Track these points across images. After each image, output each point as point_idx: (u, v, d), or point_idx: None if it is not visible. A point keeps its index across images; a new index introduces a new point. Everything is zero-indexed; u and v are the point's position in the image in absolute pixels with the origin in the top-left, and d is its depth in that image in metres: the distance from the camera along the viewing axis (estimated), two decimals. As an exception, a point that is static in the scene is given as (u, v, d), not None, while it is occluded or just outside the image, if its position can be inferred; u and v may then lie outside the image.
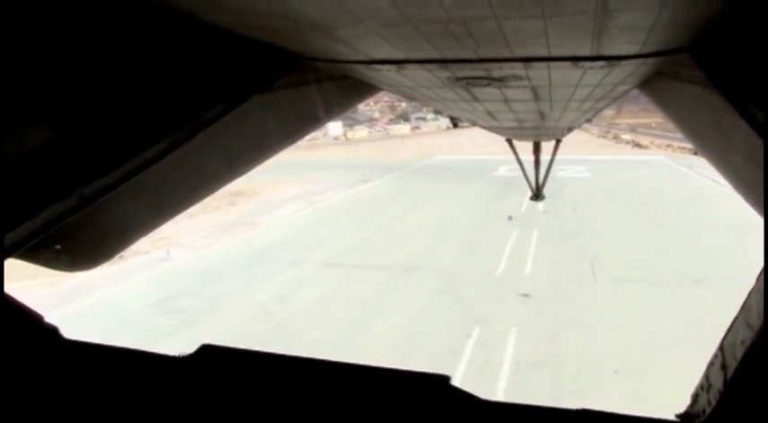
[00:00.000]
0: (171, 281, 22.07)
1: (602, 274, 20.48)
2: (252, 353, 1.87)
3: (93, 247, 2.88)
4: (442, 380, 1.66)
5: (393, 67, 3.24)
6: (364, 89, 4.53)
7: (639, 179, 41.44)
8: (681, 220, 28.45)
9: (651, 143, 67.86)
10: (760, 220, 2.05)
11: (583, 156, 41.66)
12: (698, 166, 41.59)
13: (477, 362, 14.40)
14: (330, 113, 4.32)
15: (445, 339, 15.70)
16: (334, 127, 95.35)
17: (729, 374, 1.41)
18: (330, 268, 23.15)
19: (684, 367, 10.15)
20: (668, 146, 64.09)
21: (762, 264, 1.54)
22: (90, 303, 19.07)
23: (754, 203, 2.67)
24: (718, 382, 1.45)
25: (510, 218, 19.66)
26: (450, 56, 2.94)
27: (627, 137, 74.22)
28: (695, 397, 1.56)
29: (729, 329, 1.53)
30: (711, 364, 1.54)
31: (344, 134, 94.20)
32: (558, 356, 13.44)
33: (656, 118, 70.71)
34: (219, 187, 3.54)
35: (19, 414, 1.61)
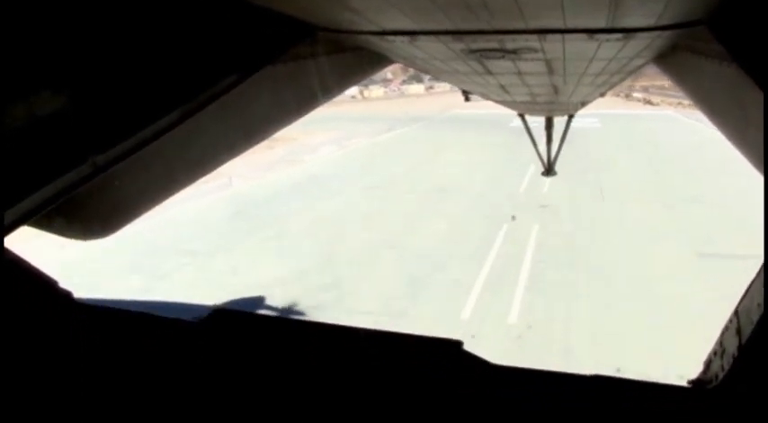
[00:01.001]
0: (239, 199, 26.16)
1: (610, 196, 24.65)
2: (264, 317, 2.03)
3: (106, 216, 2.89)
4: (455, 345, 1.69)
5: (406, 39, 3.22)
6: (377, 61, 4.49)
7: (647, 129, 45.10)
8: (682, 160, 32.50)
9: (662, 101, 71.22)
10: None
11: (594, 110, 46.02)
12: (703, 119, 45.22)
13: (508, 243, 18.81)
14: (343, 84, 4.32)
15: (481, 232, 20.02)
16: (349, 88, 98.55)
17: (744, 339, 1.40)
18: (375, 191, 27.42)
19: (671, 247, 14.82)
20: (678, 103, 67.28)
21: None
22: (172, 215, 22.45)
23: None
24: (732, 347, 1.45)
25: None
26: (463, 27, 2.93)
27: (638, 95, 77.53)
28: (708, 363, 1.57)
29: (745, 294, 1.51)
30: (726, 329, 1.54)
31: (361, 93, 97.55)
32: (572, 240, 17.77)
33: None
34: (233, 156, 3.56)
35: (34, 377, 1.65)
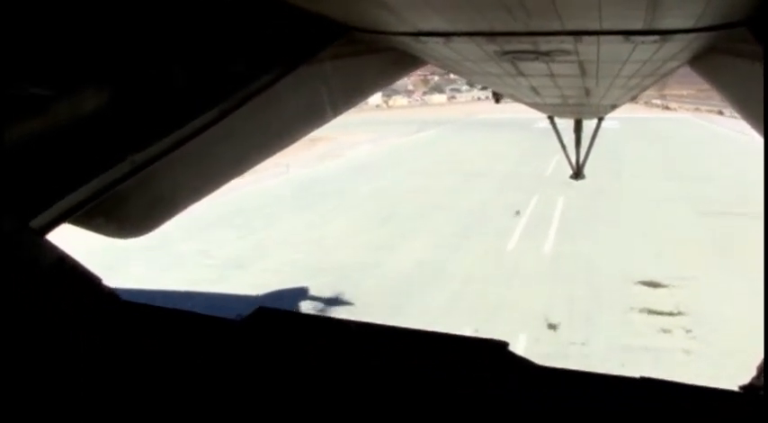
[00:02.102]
0: (301, 181, 31.01)
1: (625, 176, 28.96)
2: (307, 316, 2.22)
3: (143, 214, 2.96)
4: (501, 346, 1.67)
5: (440, 40, 3.23)
6: (409, 62, 4.52)
7: (662, 129, 49.99)
8: (689, 150, 37.37)
9: (680, 107, 75.28)
10: None
11: (614, 114, 50.97)
12: (718, 122, 49.59)
13: (540, 206, 23.21)
14: (375, 86, 4.41)
15: (514, 201, 24.34)
16: (374, 96, 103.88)
17: None
18: (417, 175, 32.06)
19: (675, 209, 19.31)
20: (696, 109, 71.15)
21: None
22: (248, 191, 26.26)
23: None
24: None
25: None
26: (498, 28, 2.92)
27: (657, 102, 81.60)
28: (761, 369, 1.59)
29: None
30: None
31: (385, 102, 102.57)
32: (592, 205, 22.00)
33: (691, 90, 77.90)
34: (268, 156, 3.63)
35: (79, 376, 1.67)
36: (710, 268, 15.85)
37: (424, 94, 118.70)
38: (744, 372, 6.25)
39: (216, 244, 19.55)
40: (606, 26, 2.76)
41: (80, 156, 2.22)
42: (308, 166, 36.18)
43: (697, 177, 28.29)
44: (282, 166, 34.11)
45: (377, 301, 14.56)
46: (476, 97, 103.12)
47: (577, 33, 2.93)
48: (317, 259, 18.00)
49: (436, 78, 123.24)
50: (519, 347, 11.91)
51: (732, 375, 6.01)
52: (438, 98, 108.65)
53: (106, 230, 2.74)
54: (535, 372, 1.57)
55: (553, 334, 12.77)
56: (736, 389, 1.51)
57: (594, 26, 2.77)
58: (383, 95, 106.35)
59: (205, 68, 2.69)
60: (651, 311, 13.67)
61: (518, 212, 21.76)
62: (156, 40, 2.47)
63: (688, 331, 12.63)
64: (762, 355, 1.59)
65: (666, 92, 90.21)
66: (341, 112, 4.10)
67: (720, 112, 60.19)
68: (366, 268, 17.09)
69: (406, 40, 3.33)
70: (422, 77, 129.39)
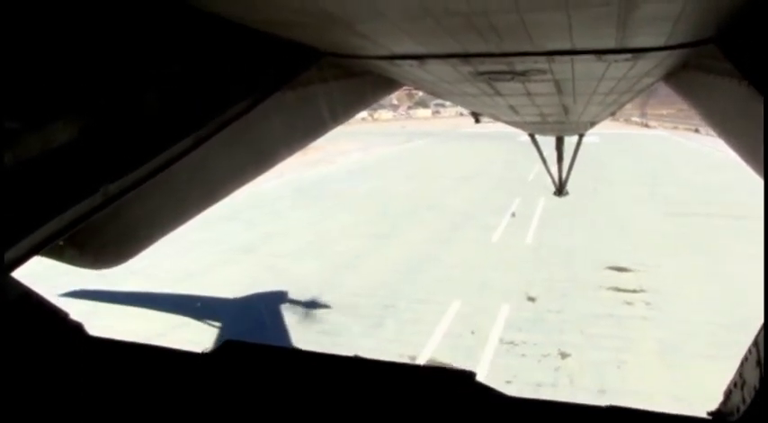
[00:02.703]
0: (297, 184, 33.68)
1: (602, 182, 31.58)
2: (275, 349, 1.97)
3: (118, 245, 2.93)
4: (468, 376, 1.66)
5: (415, 63, 3.26)
6: (385, 85, 4.58)
7: (639, 143, 53.82)
8: (661, 161, 40.75)
9: (659, 125, 79.06)
10: None
11: (594, 130, 54.58)
12: (693, 138, 53.04)
13: (522, 206, 25.59)
14: (353, 109, 4.44)
15: (499, 202, 26.84)
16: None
17: (764, 371, 1.39)
18: (408, 178, 34.90)
19: (645, 210, 22.16)
20: (674, 127, 74.83)
21: None
22: (243, 195, 28.87)
23: None
24: (753, 379, 1.42)
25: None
26: (472, 50, 2.95)
27: (636, 119, 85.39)
28: (728, 394, 1.53)
29: (765, 324, 1.48)
30: (746, 359, 1.51)
31: (371, 115, 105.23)
32: (570, 206, 24.08)
33: (671, 110, 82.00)
34: (244, 183, 3.65)
35: (44, 412, 1.64)
36: (671, 257, 18.20)
37: (409, 108, 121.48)
38: (690, 331, 8.92)
39: (225, 234, 21.56)
40: (578, 46, 2.82)
41: (51, 188, 2.20)
42: (302, 171, 38.29)
43: (667, 184, 31.05)
44: (278, 171, 36.26)
45: (377, 281, 16.66)
46: (459, 113, 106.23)
47: (550, 53, 2.99)
48: (320, 246, 20.16)
49: (420, 93, 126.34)
50: (502, 314, 14.11)
51: (681, 334, 8.49)
52: (423, 112, 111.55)
53: (80, 262, 2.71)
54: (503, 402, 1.56)
55: (532, 304, 14.96)
56: (704, 416, 1.51)
57: (567, 46, 2.83)
58: (368, 109, 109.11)
59: (179, 96, 2.69)
60: (617, 289, 15.93)
61: (514, 214, 23.52)
62: (129, 69, 2.47)
63: (647, 304, 14.86)
64: (728, 380, 1.60)
65: (647, 111, 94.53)
66: (318, 137, 4.17)
67: (696, 130, 64.26)
68: (368, 254, 19.35)
69: (382, 63, 3.39)
70: (406, 92, 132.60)
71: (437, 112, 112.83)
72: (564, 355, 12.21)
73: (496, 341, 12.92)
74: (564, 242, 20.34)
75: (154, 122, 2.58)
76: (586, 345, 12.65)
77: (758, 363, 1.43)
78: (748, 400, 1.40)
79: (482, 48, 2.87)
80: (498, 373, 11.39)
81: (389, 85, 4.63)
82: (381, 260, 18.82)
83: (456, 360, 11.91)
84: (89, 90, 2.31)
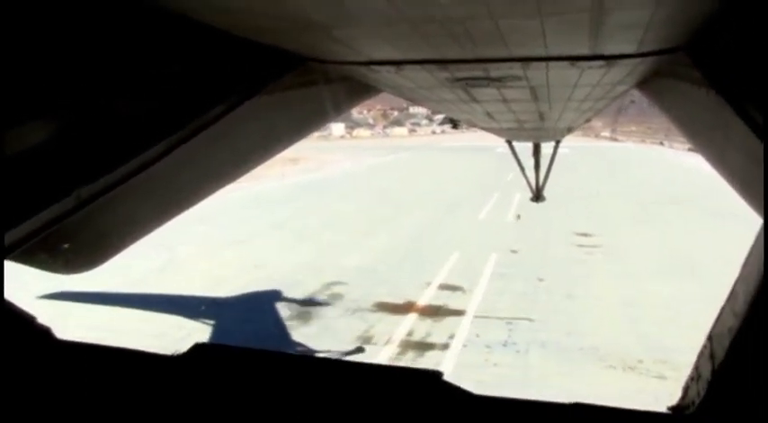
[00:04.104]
0: (301, 183, 39.15)
1: (573, 180, 36.80)
2: (244, 350, 1.97)
3: (91, 249, 2.92)
4: (435, 376, 1.68)
5: (392, 68, 3.33)
6: (364, 91, 4.65)
7: (606, 153, 60.68)
8: (626, 166, 46.58)
9: (628, 139, 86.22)
10: (751, 215, 2.21)
11: (566, 143, 60.94)
12: (655, 148, 59.47)
13: (502, 198, 30.54)
14: (329, 115, 4.46)
15: (480, 196, 31.92)
16: (337, 128, 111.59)
17: (717, 364, 1.42)
18: (399, 180, 40.41)
19: (617, 202, 28.05)
20: (642, 141, 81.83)
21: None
22: (253, 192, 33.77)
23: (752, 203, 2.68)
24: (706, 372, 1.47)
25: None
26: (448, 56, 3.02)
27: (606, 134, 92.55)
28: (686, 389, 1.58)
29: (717, 319, 1.52)
30: (701, 354, 1.56)
31: (349, 133, 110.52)
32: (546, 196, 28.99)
33: (641, 127, 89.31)
34: (221, 187, 3.65)
35: (11, 416, 1.62)
36: (624, 228, 23.68)
37: (385, 127, 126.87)
38: (633, 266, 15.02)
39: (249, 218, 26.01)
40: (552, 52, 2.90)
41: (22, 191, 2.18)
42: (299, 175, 42.83)
43: (625, 180, 36.53)
44: (279, 174, 40.71)
45: (391, 244, 21.25)
46: (432, 131, 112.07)
47: (525, 59, 3.07)
48: (338, 224, 24.80)
49: (396, 113, 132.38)
50: (492, 259, 18.74)
51: (627, 267, 14.39)
52: (399, 131, 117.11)
53: (51, 267, 2.69)
54: (470, 401, 1.58)
55: (515, 255, 19.80)
56: (665, 411, 1.55)
57: (541, 52, 2.91)
58: (346, 127, 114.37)
59: (155, 101, 2.70)
60: (581, 246, 21.24)
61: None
62: (104, 72, 2.46)
63: (604, 253, 19.97)
64: (687, 375, 1.62)
65: (617, 127, 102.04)
66: (295, 142, 4.21)
67: (661, 143, 71.48)
68: (378, 229, 24.59)
69: (359, 69, 3.44)
70: (381, 111, 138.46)
71: (413, 130, 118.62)
72: (541, 279, 16.94)
73: (489, 273, 17.60)
74: (539, 218, 25.14)
75: (129, 126, 2.59)
76: (557, 273, 17.51)
77: (711, 356, 1.46)
78: (702, 393, 1.43)
79: (458, 54, 2.94)
80: (492, 290, 16.00)
81: (366, 91, 4.69)
82: (391, 232, 23.73)
83: (460, 283, 16.45)
84: (64, 92, 2.30)
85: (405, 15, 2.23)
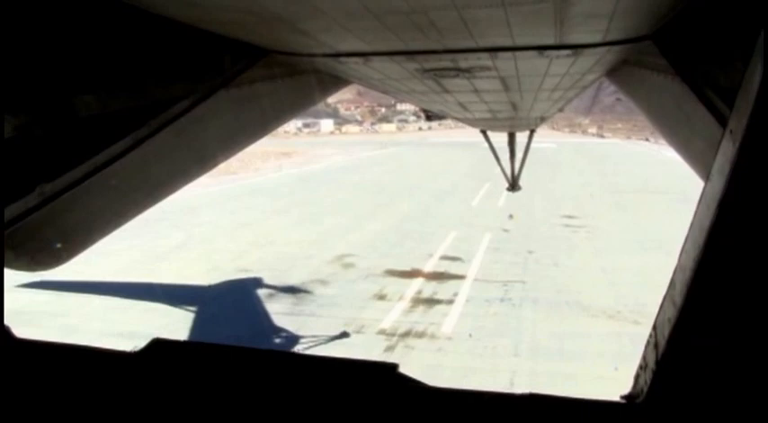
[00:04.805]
0: (299, 175, 40.61)
1: (558, 172, 39.06)
2: (203, 345, 1.99)
3: (55, 247, 2.89)
4: (390, 368, 1.70)
5: (360, 60, 3.31)
6: (332, 82, 4.61)
7: (591, 148, 63.95)
8: (608, 159, 49.84)
9: (613, 135, 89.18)
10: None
11: (552, 139, 63.04)
12: (641, 144, 62.36)
13: (492, 187, 32.31)
14: (299, 106, 4.47)
15: (471, 186, 33.84)
16: (326, 124, 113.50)
17: (660, 353, 1.45)
18: (391, 172, 42.35)
19: (593, 190, 30.58)
20: (628, 137, 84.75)
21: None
22: (252, 182, 36.74)
23: None
24: (651, 361, 1.50)
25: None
26: (415, 47, 2.99)
27: (592, 130, 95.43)
28: (636, 378, 1.59)
29: (660, 308, 1.54)
30: (647, 344, 1.58)
31: (338, 129, 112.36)
32: (530, 189, 31.09)
33: (627, 125, 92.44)
34: (187, 182, 3.61)
35: None
36: (606, 213, 26.00)
37: (372, 123, 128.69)
38: (612, 244, 17.43)
39: (253, 205, 27.85)
40: (519, 42, 2.90)
41: None
42: (296, 167, 44.64)
43: (610, 173, 38.84)
44: (275, 167, 42.54)
45: (391, 225, 23.19)
46: (419, 127, 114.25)
47: (492, 50, 3.07)
48: (340, 208, 26.74)
49: (383, 110, 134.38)
50: (486, 237, 20.75)
51: (606, 244, 16.78)
52: (388, 127, 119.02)
53: (15, 264, 2.66)
54: (425, 393, 1.60)
55: (506, 233, 21.90)
56: (618, 399, 1.58)
57: (508, 42, 2.89)
58: (335, 123, 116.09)
59: (119, 96, 2.65)
60: (567, 226, 23.46)
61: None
62: (67, 68, 2.42)
63: (587, 232, 22.15)
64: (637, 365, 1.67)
65: (603, 125, 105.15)
66: (264, 135, 4.21)
67: (647, 139, 74.45)
68: (377, 213, 26.49)
69: (327, 61, 3.41)
70: (369, 108, 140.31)
71: (401, 126, 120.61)
72: (530, 252, 19.03)
73: (484, 248, 19.65)
74: (529, 205, 27.27)
75: (92, 122, 2.54)
76: (545, 247, 19.60)
77: (654, 346, 1.49)
78: (649, 382, 1.46)
79: (425, 45, 2.92)
80: (488, 260, 18.04)
81: (336, 82, 4.67)
82: (390, 216, 25.64)
83: (459, 255, 18.43)
84: (25, 88, 2.26)
85: (369, 7, 2.22)
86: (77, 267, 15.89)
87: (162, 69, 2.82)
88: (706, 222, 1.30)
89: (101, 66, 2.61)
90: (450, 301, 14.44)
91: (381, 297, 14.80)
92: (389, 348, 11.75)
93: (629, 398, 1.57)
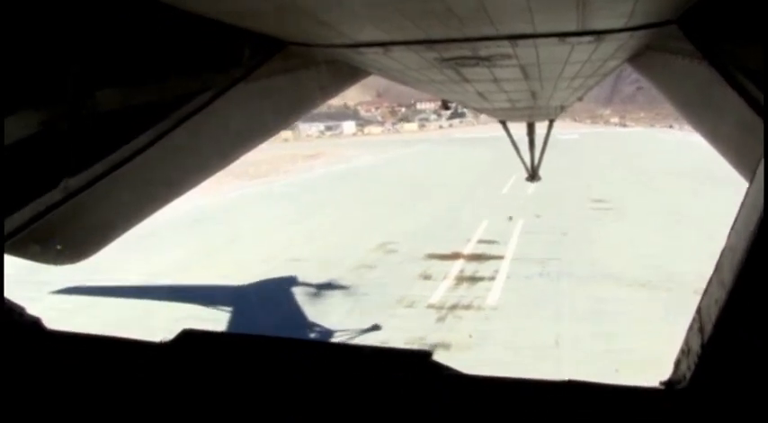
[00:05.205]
0: (335, 173, 43.32)
1: (584, 157, 39.82)
2: (233, 336, 2.07)
3: (81, 240, 2.94)
4: (424, 355, 1.67)
5: (379, 50, 3.28)
6: (352, 73, 4.58)
7: (612, 137, 66.93)
8: (629, 144, 50.77)
9: (636, 124, 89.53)
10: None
11: (574, 129, 64.18)
12: (665, 131, 62.81)
13: (518, 181, 33.00)
14: (316, 100, 4.42)
15: (499, 177, 34.63)
16: (348, 126, 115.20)
17: (706, 337, 1.39)
18: (421, 168, 42.83)
19: (618, 173, 31.44)
20: (651, 125, 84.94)
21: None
22: (290, 181, 38.65)
23: (741, 171, 2.69)
24: (696, 345, 1.43)
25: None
26: (435, 36, 2.97)
27: (614, 120, 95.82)
28: (677, 363, 1.54)
29: (705, 291, 1.48)
30: (690, 328, 1.51)
31: (360, 130, 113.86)
32: (562, 170, 31.87)
33: (650, 113, 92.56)
34: (208, 176, 3.61)
35: (1, 407, 1.62)
36: (633, 195, 26.79)
37: (394, 123, 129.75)
38: (640, 223, 18.96)
39: (292, 202, 29.37)
40: (540, 29, 2.85)
41: (10, 183, 2.18)
42: (328, 167, 46.07)
43: (635, 158, 39.63)
44: (306, 168, 43.98)
45: (430, 215, 24.35)
46: (439, 125, 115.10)
47: (513, 37, 3.01)
48: (379, 201, 28.19)
49: (403, 109, 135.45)
50: (519, 223, 21.76)
51: (634, 224, 18.30)
52: (409, 126, 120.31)
53: (42, 258, 2.70)
54: (460, 381, 1.57)
55: (538, 219, 22.80)
56: (657, 386, 1.53)
57: (529, 29, 2.85)
58: (357, 125, 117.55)
59: (139, 90, 2.67)
60: (596, 209, 24.44)
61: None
62: (89, 62, 2.44)
63: (616, 214, 23.14)
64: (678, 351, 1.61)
65: (625, 114, 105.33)
66: (281, 129, 4.16)
67: (671, 126, 74.62)
68: (414, 205, 27.75)
69: (345, 51, 3.39)
70: (389, 109, 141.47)
71: (423, 125, 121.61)
72: (564, 234, 19.99)
73: (518, 232, 20.68)
74: (558, 191, 28.23)
75: (114, 116, 2.56)
76: (578, 227, 20.57)
77: (699, 330, 1.43)
78: (692, 367, 1.40)
79: (445, 33, 2.90)
80: (523, 242, 19.09)
81: (354, 74, 4.64)
82: (425, 207, 26.73)
83: (495, 239, 19.48)
84: (48, 83, 2.28)
85: None
86: (141, 256, 17.10)
87: (182, 63, 2.83)
88: (759, 200, 1.24)
89: (122, 60, 2.63)
90: (492, 278, 15.56)
91: (426, 277, 15.92)
92: (440, 319, 12.81)
93: (669, 384, 1.51)
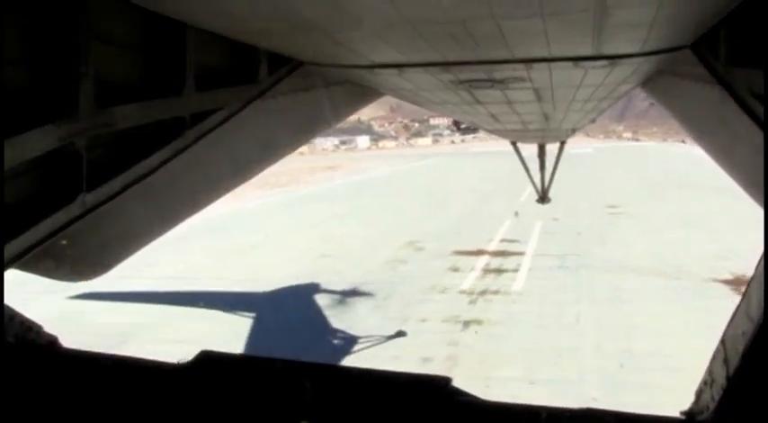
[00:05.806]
0: (353, 184, 44.45)
1: (596, 170, 41.09)
2: (250, 358, 2.01)
3: (96, 256, 2.92)
4: (443, 382, 1.68)
5: (394, 71, 3.29)
6: (366, 94, 4.63)
7: (625, 150, 68.15)
8: (639, 158, 52.94)
9: (648, 139, 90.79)
10: (759, 212, 2.11)
11: (588, 143, 66.35)
12: (677, 145, 64.22)
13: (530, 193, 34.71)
14: (330, 119, 4.42)
15: (516, 187, 35.60)
16: (363, 140, 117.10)
17: (732, 369, 1.36)
18: (438, 179, 44.11)
19: (628, 184, 33.85)
20: (664, 140, 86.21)
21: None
22: (311, 191, 39.88)
23: (755, 195, 2.70)
24: (720, 377, 1.41)
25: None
26: (450, 58, 2.98)
27: (627, 135, 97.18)
28: (699, 393, 1.52)
29: (731, 322, 1.45)
30: (714, 358, 1.49)
31: (375, 144, 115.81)
32: (576, 180, 33.34)
33: (662, 128, 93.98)
34: (224, 193, 3.64)
35: None
36: (644, 202, 28.41)
37: (408, 138, 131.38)
38: (650, 224, 20.97)
39: (314, 211, 30.85)
40: (555, 53, 2.87)
41: (26, 199, 2.18)
42: (346, 178, 47.63)
43: (646, 171, 40.89)
44: (325, 179, 45.56)
45: (452, 219, 25.70)
46: (452, 141, 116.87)
47: (528, 61, 3.04)
48: (400, 209, 29.44)
49: (416, 125, 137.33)
50: (538, 225, 23.08)
51: (644, 225, 20.71)
52: (423, 141, 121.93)
53: (56, 274, 2.68)
54: (479, 408, 1.58)
55: (556, 222, 24.07)
56: (678, 416, 1.52)
57: (544, 53, 2.87)
58: (371, 139, 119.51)
59: (156, 107, 2.68)
60: (610, 213, 25.60)
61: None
62: (107, 79, 2.44)
63: (628, 217, 24.37)
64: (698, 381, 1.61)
65: (638, 129, 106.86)
66: (295, 148, 4.21)
67: (683, 141, 75.93)
68: (436, 211, 29.11)
69: (361, 72, 3.40)
70: (403, 124, 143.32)
71: (436, 140, 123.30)
72: (579, 234, 21.30)
73: (538, 232, 22.00)
74: (574, 199, 29.52)
75: (131, 132, 2.58)
76: (593, 228, 21.91)
77: (724, 361, 1.41)
78: (717, 398, 1.38)
79: (461, 56, 2.90)
80: (542, 241, 20.43)
81: (368, 94, 4.67)
82: (446, 213, 28.15)
83: (517, 238, 20.80)
84: (67, 99, 2.28)
85: (407, 18, 2.19)
86: (174, 257, 18.20)
87: (200, 80, 2.83)
88: None
89: (140, 77, 2.67)
90: (516, 270, 16.91)
91: (455, 269, 17.26)
92: (471, 302, 14.16)
93: (690, 414, 1.49)
